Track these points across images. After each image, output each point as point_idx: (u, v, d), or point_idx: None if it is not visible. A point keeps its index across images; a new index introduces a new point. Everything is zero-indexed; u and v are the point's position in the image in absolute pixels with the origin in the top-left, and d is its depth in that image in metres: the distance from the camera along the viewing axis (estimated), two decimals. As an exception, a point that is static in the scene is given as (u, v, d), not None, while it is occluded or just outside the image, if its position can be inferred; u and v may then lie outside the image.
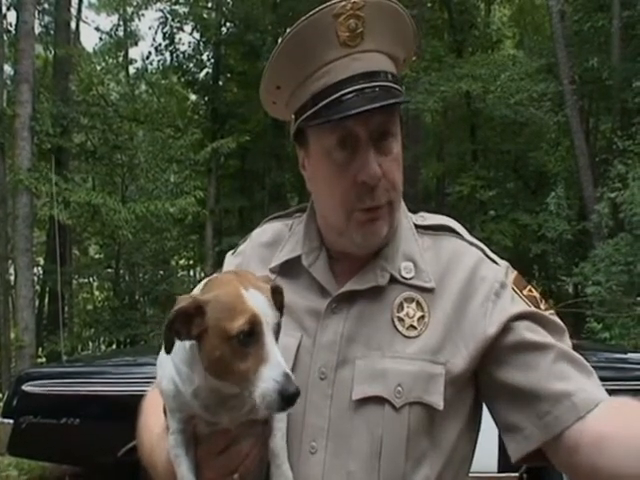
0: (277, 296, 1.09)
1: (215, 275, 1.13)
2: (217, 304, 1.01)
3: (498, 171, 18.39)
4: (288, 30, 1.19)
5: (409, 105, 13.40)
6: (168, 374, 1.10)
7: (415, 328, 1.19)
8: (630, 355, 6.28)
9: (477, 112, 17.48)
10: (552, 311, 1.24)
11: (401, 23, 1.22)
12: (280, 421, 1.14)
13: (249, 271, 1.14)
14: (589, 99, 17.66)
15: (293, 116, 1.25)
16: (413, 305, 1.21)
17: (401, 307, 1.21)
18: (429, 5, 18.51)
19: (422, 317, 1.20)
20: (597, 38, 15.64)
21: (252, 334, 0.98)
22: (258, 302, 1.01)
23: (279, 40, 1.21)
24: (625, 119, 14.02)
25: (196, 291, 1.09)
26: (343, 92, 1.14)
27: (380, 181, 1.18)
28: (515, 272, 1.27)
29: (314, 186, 1.28)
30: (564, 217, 13.44)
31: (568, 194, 14.20)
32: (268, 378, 0.97)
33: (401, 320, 1.20)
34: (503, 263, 1.27)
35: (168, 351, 1.04)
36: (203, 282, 1.11)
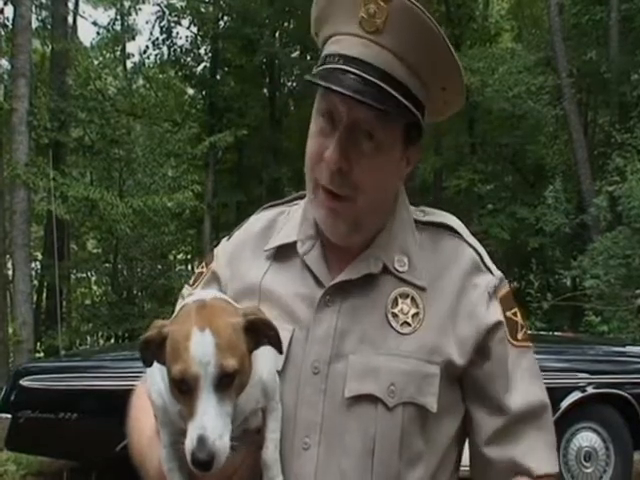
0: (260, 329, 1.04)
1: (186, 301, 1.08)
2: (170, 341, 0.99)
3: (496, 164, 18.39)
4: None
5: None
6: (157, 388, 1.08)
7: (409, 325, 1.17)
8: (628, 348, 6.31)
9: (475, 105, 17.42)
10: (529, 344, 1.24)
11: (428, 37, 1.15)
12: (273, 432, 1.11)
13: (225, 300, 1.09)
14: (587, 92, 17.68)
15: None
16: (408, 301, 1.19)
17: (395, 303, 1.19)
18: (427, -2, 18.45)
19: (417, 314, 1.18)
20: (595, 31, 15.67)
21: (184, 383, 0.96)
22: (202, 349, 0.95)
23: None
24: (623, 112, 14.02)
25: (175, 313, 1.07)
26: (342, 67, 1.12)
27: (337, 172, 1.14)
28: (507, 289, 1.25)
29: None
30: (562, 210, 13.42)
31: (566, 187, 14.20)
32: (189, 434, 0.94)
33: (395, 316, 1.18)
34: (497, 274, 1.25)
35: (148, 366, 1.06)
36: (180, 305, 1.09)
